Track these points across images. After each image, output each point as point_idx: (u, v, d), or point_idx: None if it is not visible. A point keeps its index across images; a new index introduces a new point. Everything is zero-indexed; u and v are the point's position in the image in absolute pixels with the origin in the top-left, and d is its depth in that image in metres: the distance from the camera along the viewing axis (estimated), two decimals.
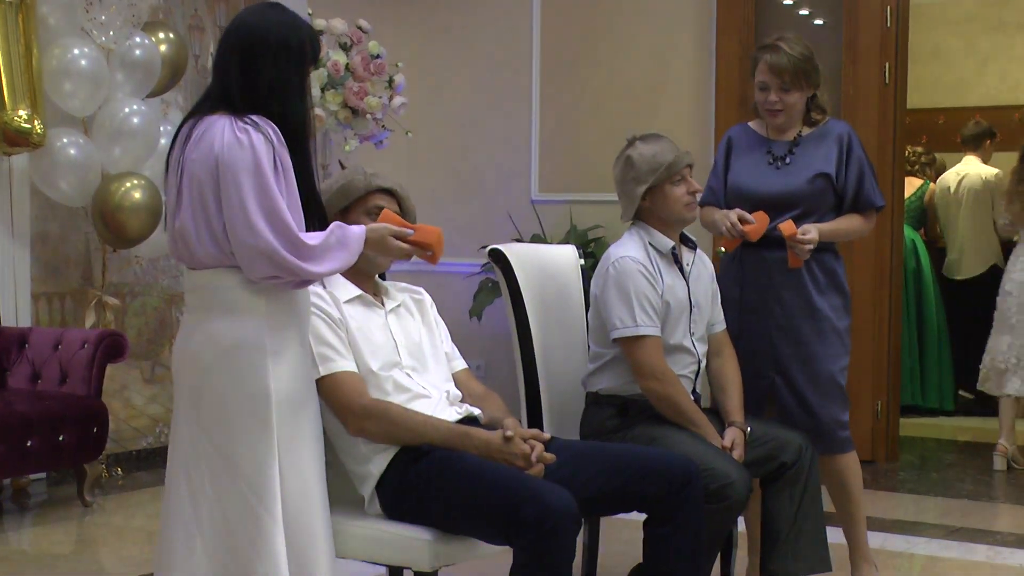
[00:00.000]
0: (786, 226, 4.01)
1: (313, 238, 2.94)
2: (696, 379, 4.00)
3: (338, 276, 3.37)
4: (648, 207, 3.95)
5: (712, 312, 4.09)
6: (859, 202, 4.16)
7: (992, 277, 7.99)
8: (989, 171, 8.32)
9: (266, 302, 2.96)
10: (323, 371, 3.27)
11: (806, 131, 4.21)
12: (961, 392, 8.37)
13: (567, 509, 3.06)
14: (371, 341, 3.38)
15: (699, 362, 3.99)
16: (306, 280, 2.98)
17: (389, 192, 3.52)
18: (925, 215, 8.57)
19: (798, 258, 4.04)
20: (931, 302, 8.18)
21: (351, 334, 3.34)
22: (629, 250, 3.91)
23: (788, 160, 4.16)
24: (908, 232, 7.84)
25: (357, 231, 3.04)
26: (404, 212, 3.52)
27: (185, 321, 3.08)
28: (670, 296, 3.89)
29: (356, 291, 3.42)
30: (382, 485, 3.31)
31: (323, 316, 3.30)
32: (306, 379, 3.08)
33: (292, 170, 2.94)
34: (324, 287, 3.37)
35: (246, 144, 2.87)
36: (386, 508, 3.32)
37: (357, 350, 3.34)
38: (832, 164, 4.13)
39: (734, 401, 3.99)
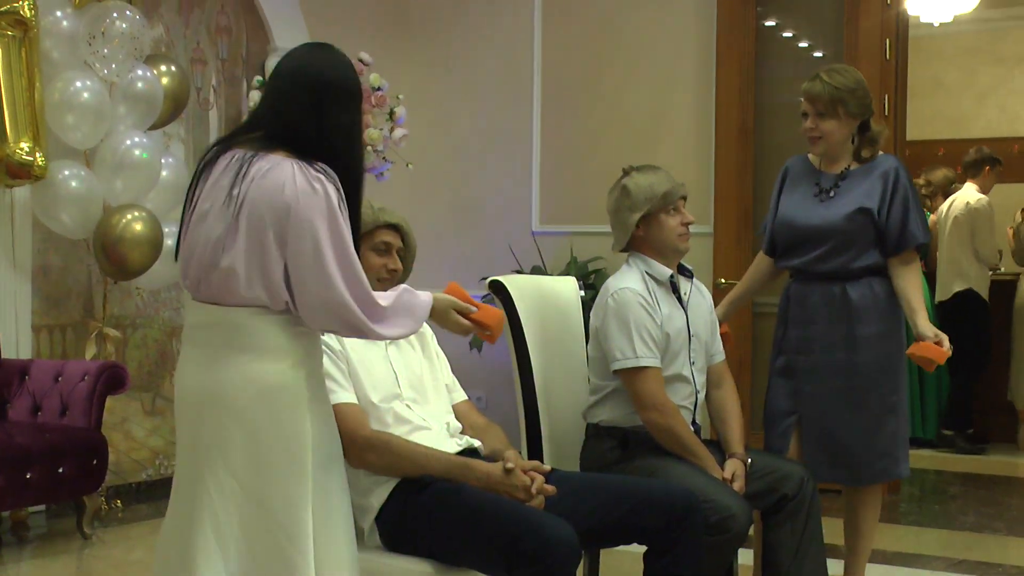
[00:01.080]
0: (936, 353, 3.98)
1: (384, 299, 2.88)
2: (695, 409, 3.99)
3: None
4: (643, 236, 3.96)
5: (711, 343, 4.09)
6: (903, 238, 4.12)
7: (964, 301, 8.04)
8: (975, 197, 8.28)
9: (304, 346, 2.90)
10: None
11: (855, 165, 4.20)
12: (945, 431, 8.30)
13: (567, 541, 3.05)
14: (372, 373, 3.38)
15: (697, 393, 3.99)
16: (361, 338, 2.93)
17: (395, 228, 3.52)
18: (926, 246, 8.58)
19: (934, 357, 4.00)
20: None
21: (352, 365, 3.34)
22: (628, 281, 3.91)
23: (832, 193, 4.18)
24: None
25: (424, 299, 2.99)
26: (406, 248, 3.53)
27: (199, 358, 2.92)
28: (669, 326, 3.90)
29: None
30: (382, 517, 3.30)
31: (324, 347, 3.30)
32: (332, 423, 3.00)
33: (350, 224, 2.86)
34: None
35: (321, 193, 2.77)
36: (386, 540, 3.31)
37: (358, 381, 3.34)
38: (875, 199, 4.10)
39: (735, 432, 3.99)
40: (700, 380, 4.01)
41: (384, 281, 3.44)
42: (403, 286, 2.98)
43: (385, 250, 3.47)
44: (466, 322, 3.10)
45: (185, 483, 2.94)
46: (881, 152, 4.23)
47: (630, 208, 3.94)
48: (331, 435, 2.96)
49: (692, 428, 3.93)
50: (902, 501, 6.60)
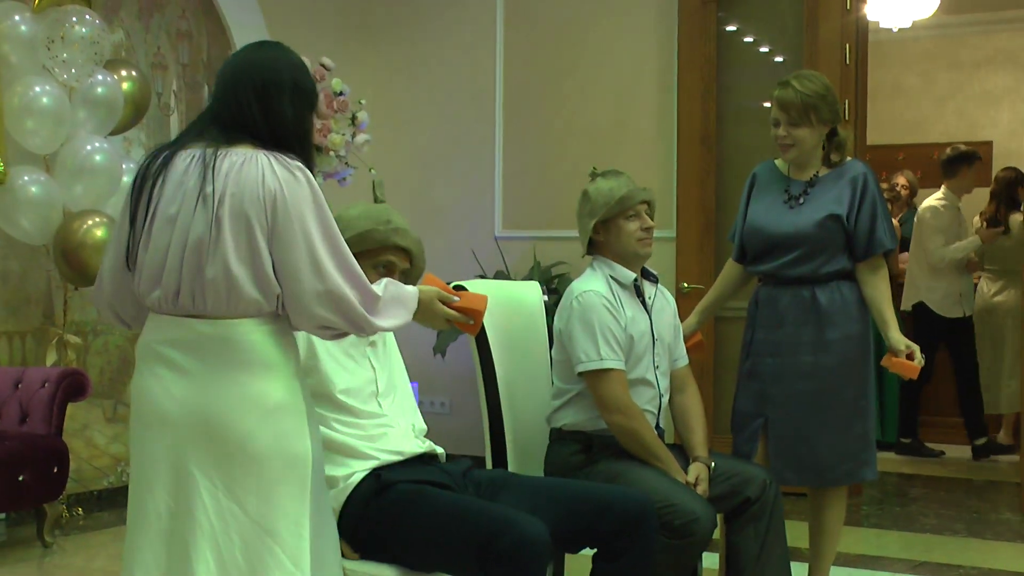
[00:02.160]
0: (906, 367, 4.05)
1: (376, 289, 2.82)
2: (659, 413, 4.00)
3: None
4: (603, 241, 3.99)
5: (675, 347, 4.11)
6: (870, 244, 4.14)
7: (915, 315, 8.09)
8: (928, 203, 8.22)
9: (295, 358, 2.83)
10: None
11: (824, 171, 4.22)
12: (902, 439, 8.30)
13: (541, 537, 3.06)
14: (346, 368, 3.36)
15: (661, 396, 4.00)
16: (356, 333, 2.85)
17: (404, 250, 3.46)
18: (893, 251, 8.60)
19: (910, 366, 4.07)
20: None
21: (320, 361, 3.32)
22: (592, 284, 3.93)
23: (802, 200, 4.19)
24: None
25: (411, 290, 2.93)
26: (413, 268, 3.50)
27: (178, 379, 2.77)
28: (633, 329, 3.91)
29: None
30: (341, 522, 3.28)
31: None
32: (319, 436, 2.93)
33: None
34: None
35: (304, 181, 2.73)
36: (345, 540, 3.30)
37: (323, 376, 3.32)
38: (844, 205, 4.12)
39: (698, 436, 4.01)
40: (664, 384, 4.02)
41: None
42: (387, 279, 2.93)
43: (387, 271, 3.42)
44: (451, 312, 3.03)
45: (165, 513, 2.79)
46: (849, 157, 4.25)
47: (589, 213, 3.97)
48: (322, 452, 2.91)
49: (656, 432, 3.95)
50: (864, 504, 6.64)
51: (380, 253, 3.42)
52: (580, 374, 3.87)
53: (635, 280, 3.98)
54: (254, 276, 2.71)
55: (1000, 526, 6.17)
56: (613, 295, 3.92)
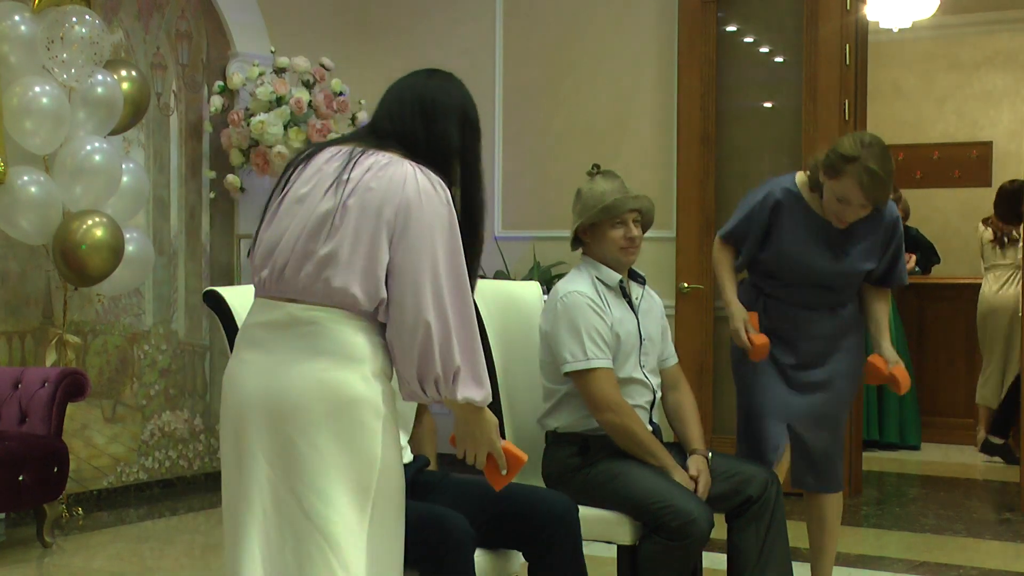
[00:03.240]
0: (878, 371, 4.12)
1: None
2: (652, 410, 4.00)
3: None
4: (588, 243, 4.00)
5: (663, 347, 4.11)
6: (887, 279, 4.22)
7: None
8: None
9: (384, 358, 2.71)
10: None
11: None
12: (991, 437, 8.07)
13: (466, 530, 3.09)
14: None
15: (654, 393, 4.01)
16: (412, 383, 2.69)
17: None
18: None
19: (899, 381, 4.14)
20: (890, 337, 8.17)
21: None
22: (577, 285, 3.93)
23: (842, 247, 4.12)
24: None
25: (488, 393, 2.77)
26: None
27: (263, 361, 2.69)
28: (620, 328, 3.91)
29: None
30: None
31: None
32: (399, 444, 2.79)
33: None
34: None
35: (444, 200, 2.68)
36: None
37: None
38: (877, 257, 4.15)
39: (694, 431, 4.02)
40: (655, 381, 4.02)
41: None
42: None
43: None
44: (496, 442, 2.86)
45: (232, 498, 2.72)
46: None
47: (578, 213, 3.99)
48: (398, 464, 2.76)
49: (650, 428, 3.95)
50: (864, 504, 6.64)
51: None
52: (567, 374, 3.87)
53: (620, 281, 3.98)
54: (363, 271, 2.63)
55: (1000, 526, 6.17)
56: (599, 295, 3.92)
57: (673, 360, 4.15)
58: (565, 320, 3.87)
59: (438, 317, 2.64)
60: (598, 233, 3.96)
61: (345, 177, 2.67)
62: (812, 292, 4.19)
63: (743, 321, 4.11)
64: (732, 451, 4.37)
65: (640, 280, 4.10)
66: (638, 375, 3.96)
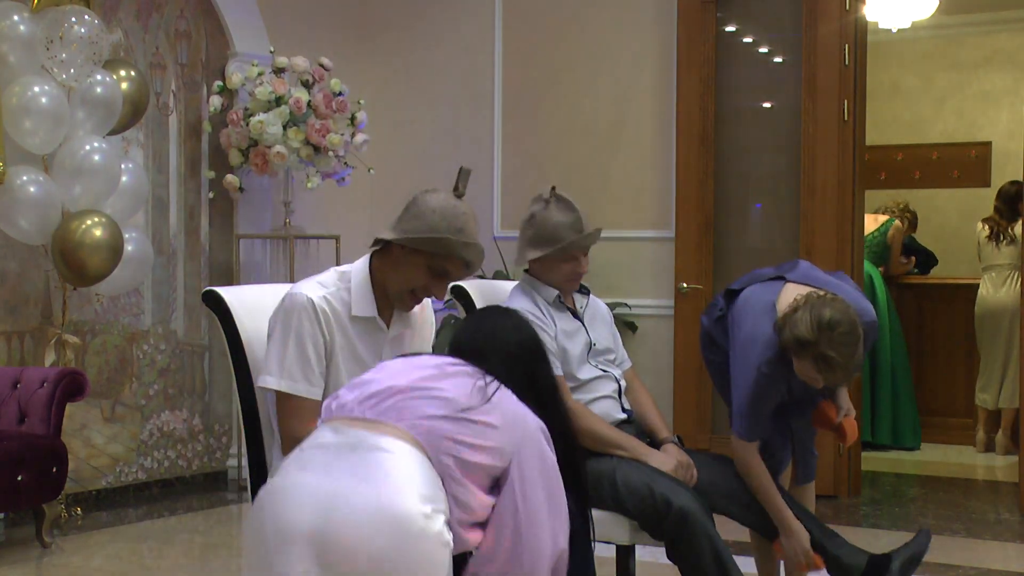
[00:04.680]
0: (827, 418, 4.03)
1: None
2: (620, 397, 4.04)
3: (367, 290, 3.32)
4: (535, 268, 4.02)
5: (615, 348, 4.15)
6: None
7: None
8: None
9: (445, 499, 2.63)
10: (285, 387, 3.23)
11: None
12: None
13: None
14: (355, 364, 3.32)
15: (618, 381, 4.05)
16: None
17: (468, 267, 3.34)
18: (887, 252, 8.63)
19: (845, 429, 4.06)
20: (884, 339, 8.15)
21: (334, 357, 3.30)
22: (516, 303, 3.94)
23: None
24: (867, 268, 7.90)
25: None
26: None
27: (317, 485, 2.54)
28: (565, 339, 3.96)
29: (372, 312, 3.35)
30: None
31: (319, 331, 3.26)
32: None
33: None
34: (347, 294, 3.32)
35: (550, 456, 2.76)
36: None
37: (337, 372, 3.29)
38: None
39: (656, 420, 4.07)
40: (616, 372, 4.07)
41: (407, 300, 3.35)
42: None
43: (438, 279, 3.32)
44: None
45: None
46: None
47: (529, 241, 3.98)
48: None
49: (624, 415, 3.99)
50: (863, 503, 6.63)
51: (439, 260, 3.28)
52: None
53: (557, 296, 4.00)
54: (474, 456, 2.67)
55: (999, 526, 6.17)
56: (540, 310, 3.95)
57: (627, 364, 4.19)
58: None
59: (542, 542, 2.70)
60: (546, 264, 3.98)
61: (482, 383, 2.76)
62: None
63: (807, 543, 3.86)
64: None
65: (584, 291, 4.15)
66: (595, 373, 3.99)
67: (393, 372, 2.76)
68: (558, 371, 3.81)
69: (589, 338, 4.02)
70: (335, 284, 3.33)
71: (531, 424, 2.75)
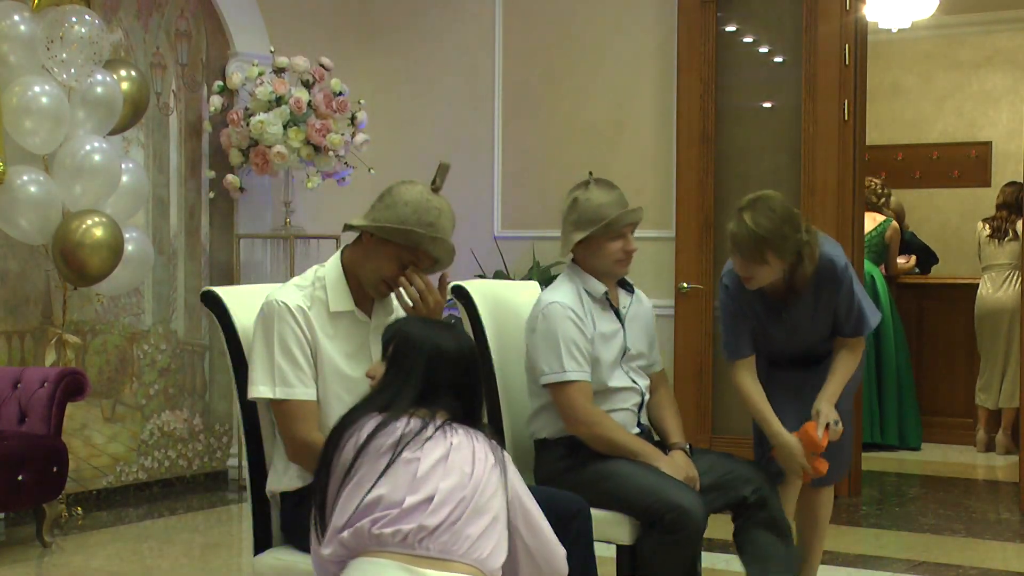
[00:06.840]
0: (812, 442, 3.96)
1: None
2: (640, 412, 4.01)
3: (342, 285, 3.33)
4: (581, 255, 3.95)
5: (650, 355, 4.10)
6: (857, 329, 4.10)
7: None
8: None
9: None
10: (280, 393, 3.23)
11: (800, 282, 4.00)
12: None
13: None
14: (344, 359, 3.32)
15: (642, 395, 4.01)
16: None
17: (436, 262, 3.36)
18: (886, 251, 8.63)
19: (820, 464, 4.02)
20: (889, 339, 8.19)
21: (320, 355, 3.29)
22: (559, 295, 3.90)
23: (793, 322, 4.05)
24: (868, 267, 7.91)
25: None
26: (435, 269, 3.41)
27: None
28: (602, 340, 3.90)
29: (349, 306, 3.35)
30: (285, 498, 3.34)
31: (301, 334, 3.25)
32: None
33: None
34: (323, 292, 3.32)
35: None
36: (284, 517, 3.35)
37: (325, 371, 3.29)
38: (829, 318, 4.06)
39: (671, 425, 4.05)
40: (643, 383, 4.03)
41: (382, 289, 3.35)
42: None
43: (400, 271, 3.33)
44: None
45: None
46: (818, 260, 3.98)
47: (574, 225, 3.93)
48: None
49: (639, 430, 3.96)
50: (863, 504, 6.64)
51: (408, 252, 3.31)
52: (544, 386, 3.87)
53: (605, 293, 3.95)
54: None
55: (999, 526, 6.17)
56: (582, 306, 3.89)
57: (658, 367, 4.15)
58: (544, 331, 3.85)
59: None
60: (593, 245, 3.91)
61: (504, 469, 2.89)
62: (790, 361, 4.17)
63: (801, 454, 3.95)
64: (735, 452, 4.36)
65: (629, 288, 4.09)
66: (626, 383, 3.96)
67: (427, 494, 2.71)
68: (576, 375, 3.80)
69: (625, 343, 3.97)
70: (310, 284, 3.35)
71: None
